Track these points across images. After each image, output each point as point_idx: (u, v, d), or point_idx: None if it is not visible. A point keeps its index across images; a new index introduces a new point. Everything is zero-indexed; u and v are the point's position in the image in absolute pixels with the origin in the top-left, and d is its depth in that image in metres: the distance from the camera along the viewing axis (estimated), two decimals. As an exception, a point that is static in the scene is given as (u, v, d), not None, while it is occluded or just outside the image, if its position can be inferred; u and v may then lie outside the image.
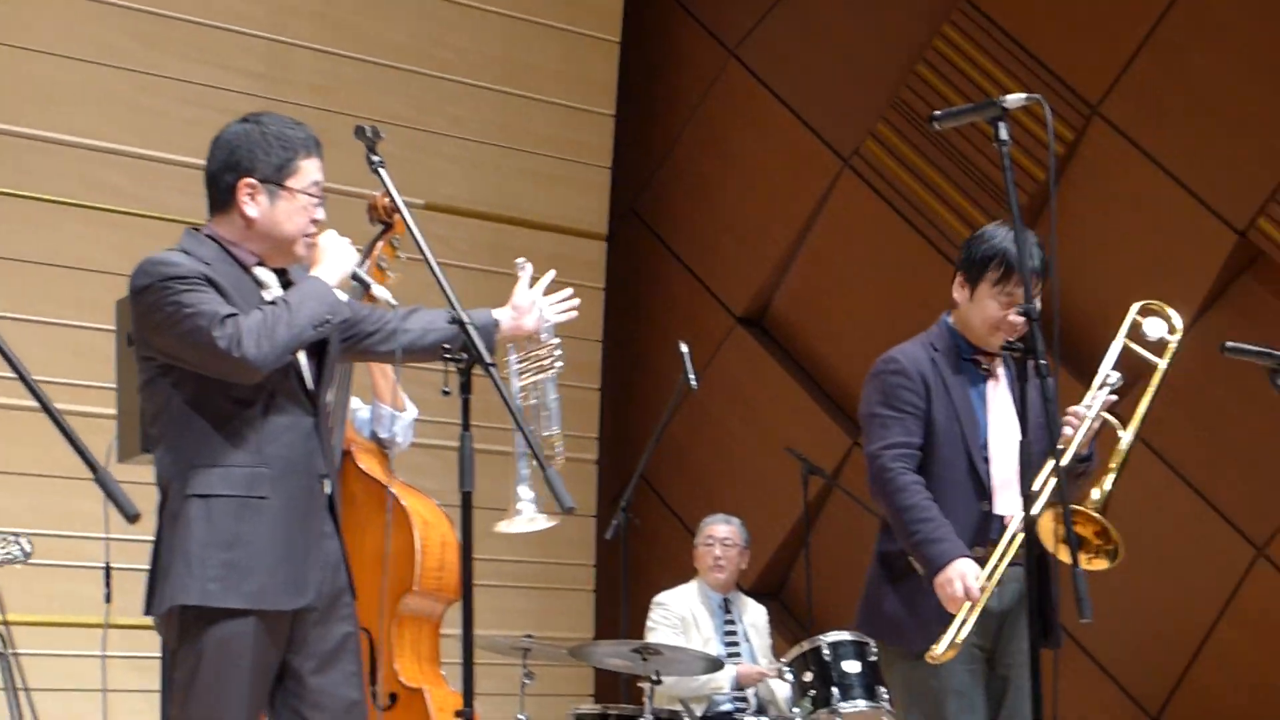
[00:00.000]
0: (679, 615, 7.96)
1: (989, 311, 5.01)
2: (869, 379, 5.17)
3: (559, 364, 4.56)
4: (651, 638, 7.76)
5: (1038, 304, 4.12)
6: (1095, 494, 4.81)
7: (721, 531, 8.18)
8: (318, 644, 4.11)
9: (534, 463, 4.14)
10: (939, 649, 4.90)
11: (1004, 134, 4.30)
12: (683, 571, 8.31)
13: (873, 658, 7.09)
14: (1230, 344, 5.00)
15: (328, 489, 4.16)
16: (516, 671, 7.10)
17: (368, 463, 5.62)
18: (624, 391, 9.99)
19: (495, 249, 9.44)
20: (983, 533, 4.99)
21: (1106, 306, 8.31)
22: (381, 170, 4.17)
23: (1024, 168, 8.49)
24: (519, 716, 7.01)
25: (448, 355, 4.00)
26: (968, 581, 4.84)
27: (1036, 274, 4.94)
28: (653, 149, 10.19)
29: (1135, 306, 5.20)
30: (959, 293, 5.11)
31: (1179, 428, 8.06)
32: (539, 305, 4.54)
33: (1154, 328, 5.16)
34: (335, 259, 4.20)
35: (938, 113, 4.45)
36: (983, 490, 5.03)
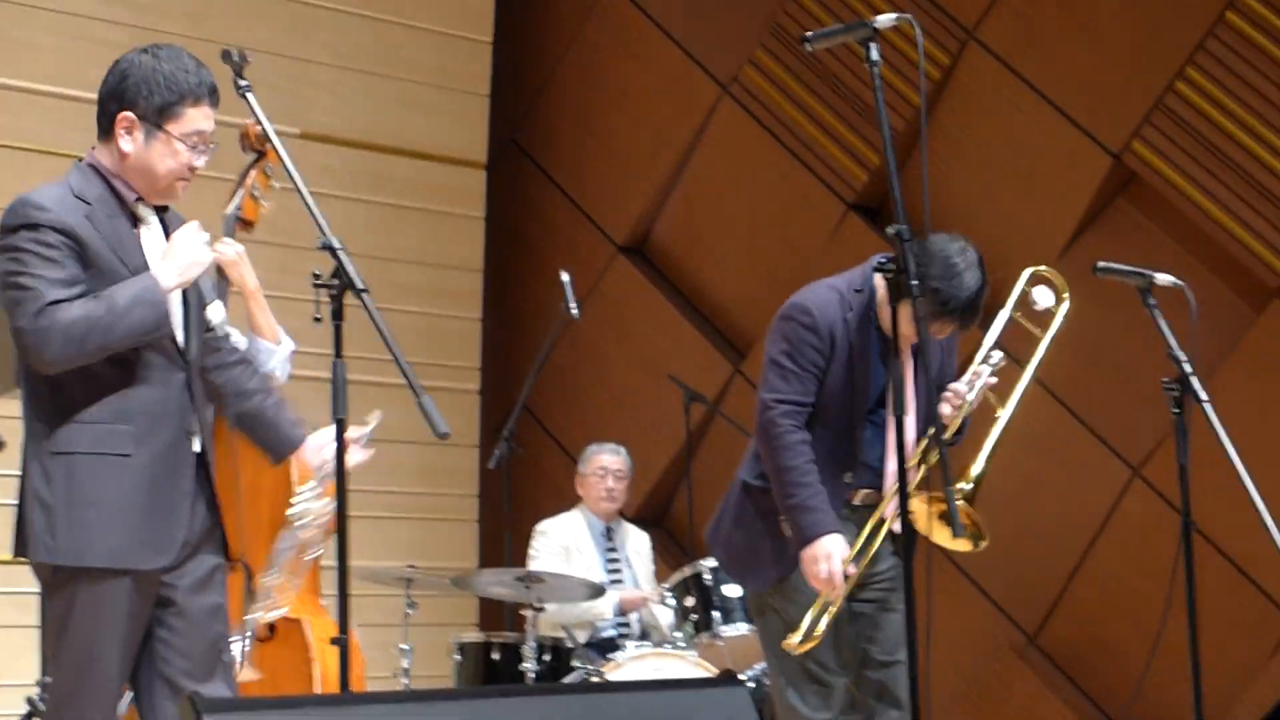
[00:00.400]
0: (561, 543, 7.99)
1: (903, 329, 4.75)
2: (780, 319, 5.19)
3: (318, 523, 4.54)
4: (534, 566, 7.79)
5: (905, 227, 4.16)
6: (964, 484, 4.89)
7: (614, 463, 8.19)
8: (191, 573, 4.12)
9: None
10: (794, 640, 5.00)
11: (874, 55, 4.30)
12: (566, 500, 8.32)
13: (752, 582, 7.18)
14: (1102, 264, 5.12)
15: (196, 447, 4.15)
16: (400, 602, 7.13)
17: (243, 394, 5.59)
18: (505, 321, 9.99)
19: (374, 178, 9.41)
20: (850, 462, 5.11)
21: (983, 231, 8.44)
22: (249, 95, 4.13)
23: (900, 92, 8.53)
24: (402, 646, 7.04)
25: (319, 283, 4.01)
26: (833, 565, 4.95)
27: (967, 313, 4.97)
28: (531, 77, 10.15)
29: (1025, 275, 5.26)
30: (879, 285, 5.02)
31: (1053, 350, 8.19)
32: (324, 453, 4.39)
33: (1042, 297, 5.21)
34: (183, 261, 4.10)
35: (809, 34, 4.47)
36: (851, 461, 5.11)
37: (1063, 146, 8.36)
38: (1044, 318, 5.26)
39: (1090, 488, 8.23)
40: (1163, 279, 5.18)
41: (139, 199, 4.13)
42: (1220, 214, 8.01)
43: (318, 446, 4.34)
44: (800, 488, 4.97)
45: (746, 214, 9.36)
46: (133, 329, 3.97)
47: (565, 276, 7.71)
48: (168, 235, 4.20)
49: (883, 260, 4.24)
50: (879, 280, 4.96)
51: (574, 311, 7.65)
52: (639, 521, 8.73)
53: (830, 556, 4.95)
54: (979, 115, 8.63)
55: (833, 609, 5.02)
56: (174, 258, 4.08)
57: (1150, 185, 8.19)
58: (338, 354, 4.02)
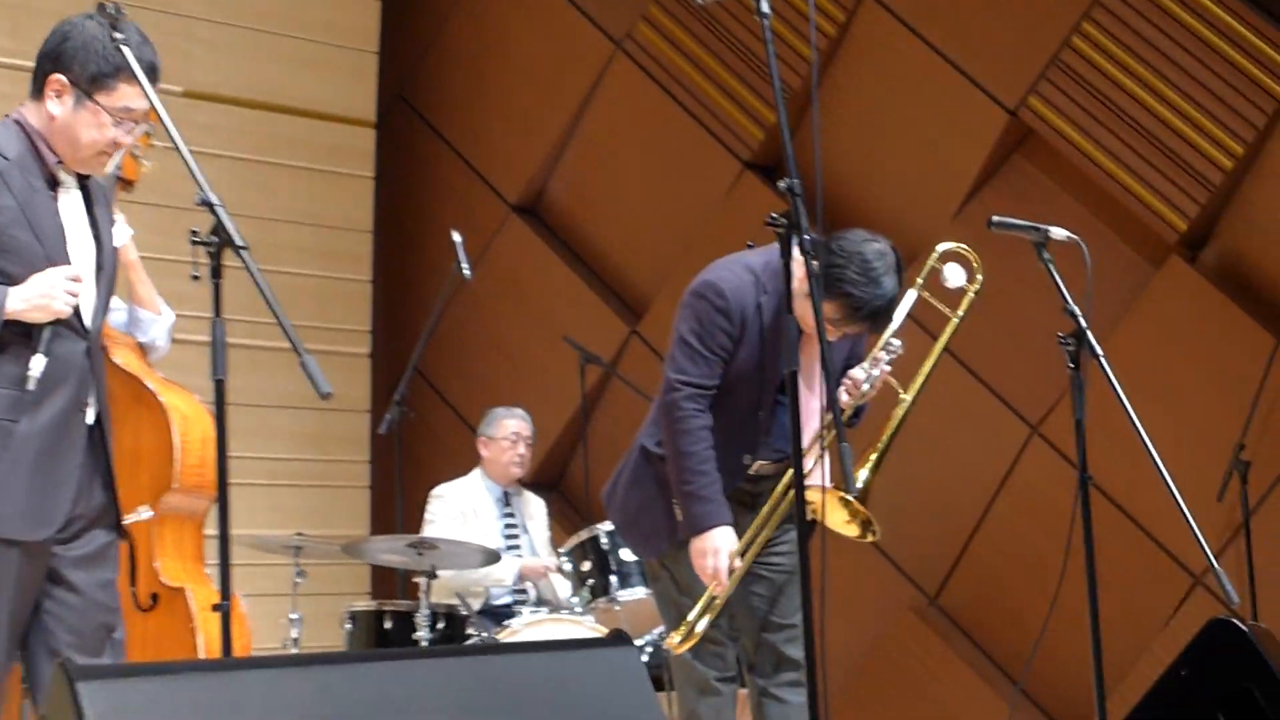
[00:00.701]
0: (458, 508, 7.96)
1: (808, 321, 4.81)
2: (693, 296, 5.14)
3: None
4: (429, 530, 7.78)
5: (796, 181, 4.12)
6: (862, 474, 4.90)
7: (524, 429, 8.18)
8: (82, 548, 4.10)
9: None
10: (675, 640, 5.04)
11: (764, 7, 4.24)
12: (460, 465, 8.28)
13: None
14: (997, 218, 5.11)
15: (90, 418, 4.12)
16: (289, 571, 7.08)
17: (124, 357, 5.56)
18: (396, 283, 9.92)
19: (261, 137, 9.32)
20: (752, 440, 5.13)
21: (879, 188, 8.49)
22: (125, 50, 4.06)
23: (795, 49, 8.50)
24: (291, 615, 6.99)
25: (197, 240, 3.95)
26: (720, 561, 4.96)
27: (878, 318, 4.97)
28: (421, 32, 10.06)
29: (937, 250, 5.24)
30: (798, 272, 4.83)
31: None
32: None
33: (954, 275, 5.19)
34: (34, 298, 4.01)
35: (699, -13, 4.43)
36: (753, 444, 5.13)
37: (958, 103, 8.37)
38: (955, 296, 5.25)
39: (989, 446, 8.27)
40: (1058, 233, 5.13)
41: (60, 162, 4.12)
42: (1117, 169, 8.03)
43: None
44: (696, 475, 4.98)
45: (641, 172, 9.33)
46: None
47: (457, 237, 7.64)
48: (89, 203, 4.20)
49: (774, 217, 4.19)
50: (797, 267, 4.71)
51: (466, 273, 7.58)
52: (535, 486, 8.73)
53: (718, 551, 4.97)
54: (874, 72, 8.64)
55: (718, 604, 5.04)
56: (31, 291, 4.01)
57: (1047, 141, 8.21)
58: (217, 313, 3.97)
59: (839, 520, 4.78)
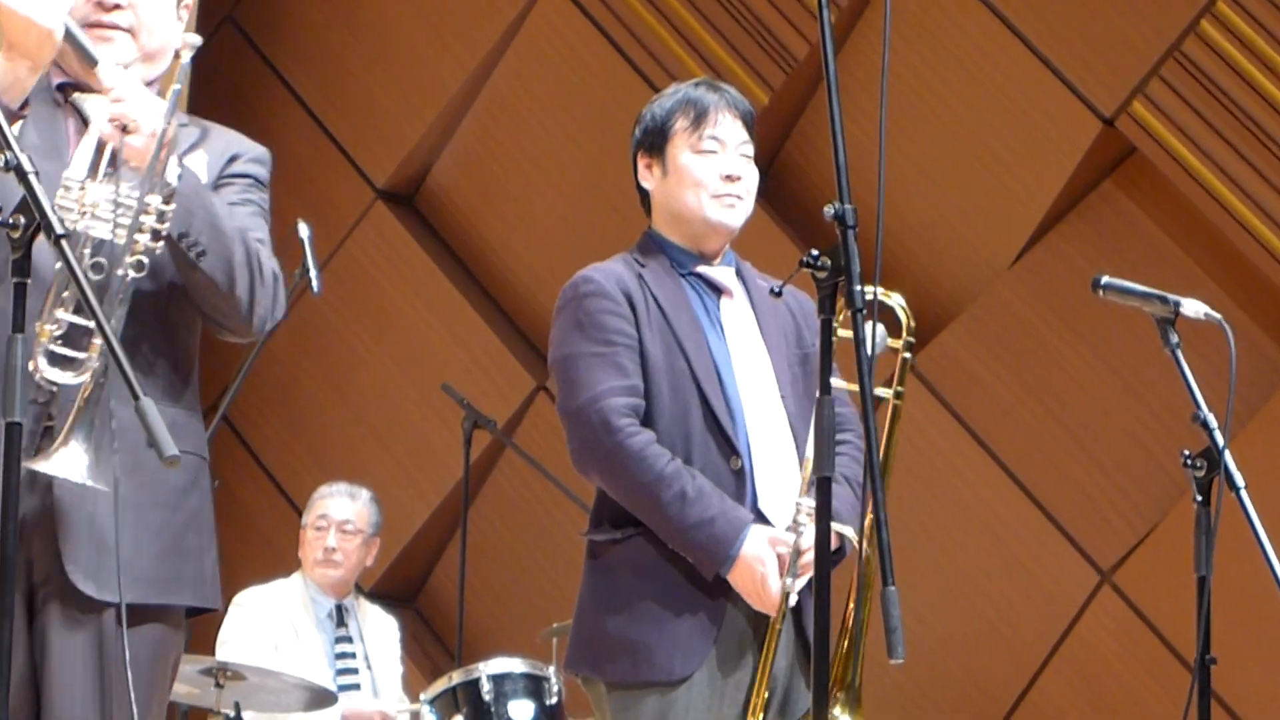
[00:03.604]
0: (271, 624, 7.95)
1: (693, 174, 5.16)
2: (557, 312, 5.22)
3: None
4: (226, 653, 7.74)
5: (850, 208, 4.09)
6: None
7: (341, 511, 8.17)
8: None
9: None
10: None
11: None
12: (282, 560, 8.37)
13: (553, 698, 7.15)
14: (1108, 280, 5.09)
15: None
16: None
17: None
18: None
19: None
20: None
21: (927, 214, 8.48)
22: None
23: (809, 6, 8.73)
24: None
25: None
26: (771, 583, 4.90)
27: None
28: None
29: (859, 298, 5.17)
30: (647, 177, 5.30)
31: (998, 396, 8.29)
32: None
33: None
34: None
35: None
36: (729, 446, 5.10)
37: (1034, 103, 8.58)
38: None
39: (1051, 590, 8.44)
40: (1193, 309, 5.18)
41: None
42: (1245, 209, 8.20)
43: None
44: (681, 501, 4.95)
45: (569, 156, 9.42)
46: None
47: (304, 230, 7.53)
48: None
49: (812, 257, 4.20)
50: (642, 181, 5.27)
51: (313, 283, 7.47)
52: (384, 600, 8.76)
53: (764, 560, 4.93)
54: (924, 49, 8.80)
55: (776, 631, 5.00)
56: None
57: (1152, 163, 8.38)
58: (18, 328, 4.05)
59: None
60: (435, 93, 9.69)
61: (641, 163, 5.27)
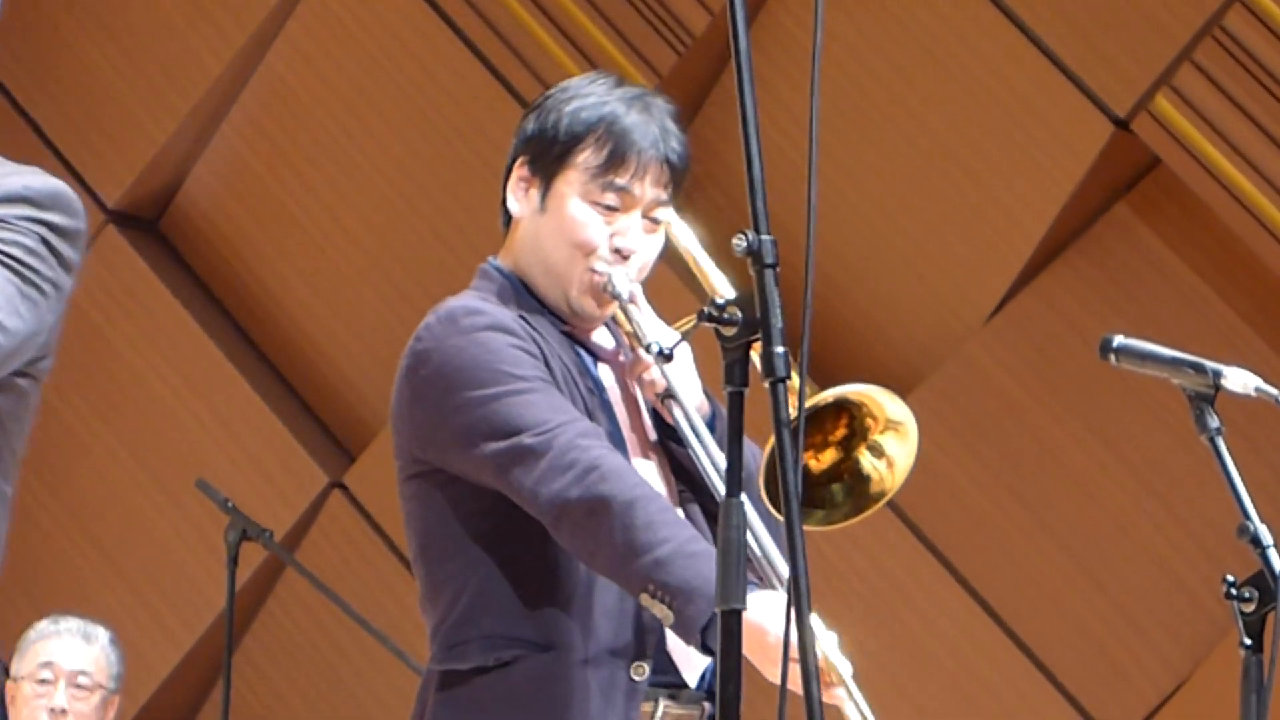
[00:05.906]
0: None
1: (576, 231, 5.17)
2: (420, 359, 5.23)
3: None
4: None
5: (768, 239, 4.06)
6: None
7: (73, 658, 8.24)
8: None
9: None
10: None
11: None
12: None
13: None
14: (1121, 341, 5.01)
15: None
16: None
17: None
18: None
19: None
20: (639, 637, 5.17)
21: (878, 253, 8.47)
22: None
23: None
24: None
25: None
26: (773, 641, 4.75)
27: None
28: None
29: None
30: (520, 197, 5.27)
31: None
32: None
33: None
34: None
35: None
36: (640, 642, 5.17)
37: (1038, 100, 9.03)
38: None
39: None
40: (1238, 380, 5.25)
41: None
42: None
43: None
44: (665, 526, 4.99)
45: (365, 167, 9.79)
46: None
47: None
48: None
49: (716, 307, 4.22)
50: (511, 200, 5.30)
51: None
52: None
53: (769, 621, 4.88)
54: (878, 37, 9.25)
55: None
56: None
57: (1173, 174, 8.81)
58: None
59: None
60: (190, 80, 10.01)
61: (518, 173, 5.27)
